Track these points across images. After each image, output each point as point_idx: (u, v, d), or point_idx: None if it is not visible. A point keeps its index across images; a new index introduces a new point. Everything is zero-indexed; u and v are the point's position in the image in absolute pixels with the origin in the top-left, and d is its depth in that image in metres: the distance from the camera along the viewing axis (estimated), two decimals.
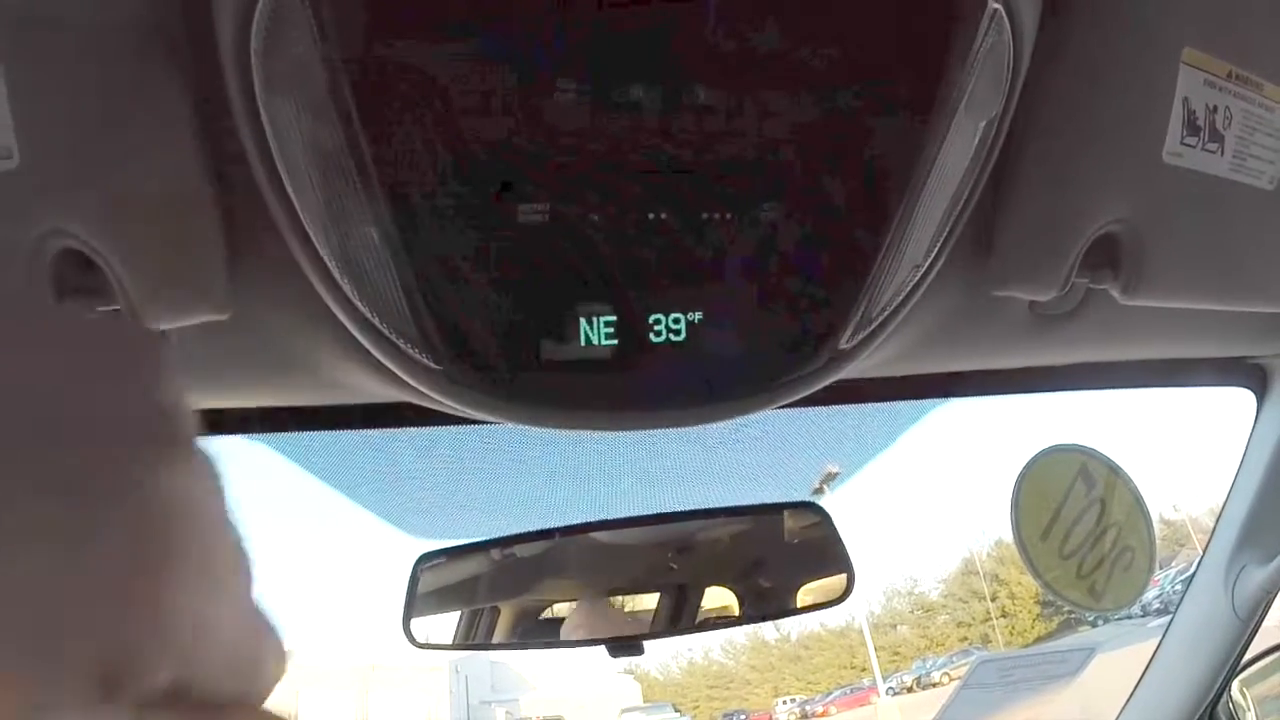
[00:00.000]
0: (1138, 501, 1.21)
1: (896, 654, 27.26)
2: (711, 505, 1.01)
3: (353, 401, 0.77)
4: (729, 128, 0.52)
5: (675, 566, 1.01)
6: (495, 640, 1.08)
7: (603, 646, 0.94)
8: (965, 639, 27.03)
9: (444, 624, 1.09)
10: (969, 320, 0.74)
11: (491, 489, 1.59)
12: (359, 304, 0.54)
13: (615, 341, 0.54)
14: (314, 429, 0.92)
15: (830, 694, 24.04)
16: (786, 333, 0.58)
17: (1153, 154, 0.63)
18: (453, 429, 0.99)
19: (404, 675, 22.72)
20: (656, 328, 0.54)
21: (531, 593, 1.07)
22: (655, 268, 0.55)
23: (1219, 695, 1.23)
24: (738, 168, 0.54)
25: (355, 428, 0.92)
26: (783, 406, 0.66)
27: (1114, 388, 1.01)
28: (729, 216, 0.55)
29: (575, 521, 0.97)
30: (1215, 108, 0.64)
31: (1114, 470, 1.18)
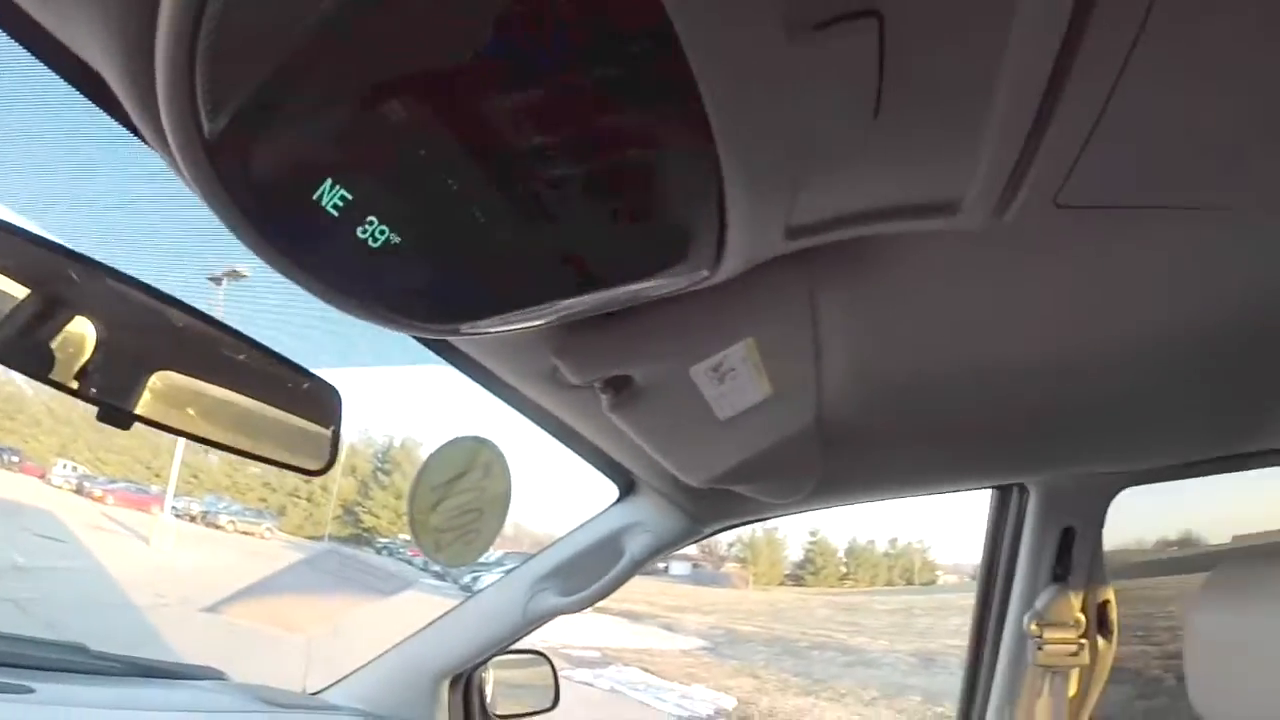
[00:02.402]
0: (504, 504, 1.57)
1: (196, 478, 26.56)
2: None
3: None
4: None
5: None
6: None
7: None
8: (264, 500, 27.61)
9: None
10: None
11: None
12: None
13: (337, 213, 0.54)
14: None
15: (115, 482, 22.28)
16: None
17: (689, 361, 0.96)
18: None
19: None
20: (367, 229, 0.56)
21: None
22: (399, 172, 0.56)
23: (478, 666, 1.68)
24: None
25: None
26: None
27: None
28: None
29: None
30: (733, 367, 0.99)
31: (507, 477, 1.52)
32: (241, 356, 1.07)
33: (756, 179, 0.64)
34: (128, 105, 0.54)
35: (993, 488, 1.88)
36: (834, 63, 0.58)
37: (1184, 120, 0.72)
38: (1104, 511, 1.83)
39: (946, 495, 1.81)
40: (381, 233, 0.56)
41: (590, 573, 1.60)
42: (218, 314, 1.04)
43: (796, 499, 1.45)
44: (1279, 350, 1.23)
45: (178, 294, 0.98)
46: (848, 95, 0.62)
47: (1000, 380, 1.31)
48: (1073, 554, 1.80)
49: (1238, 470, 1.84)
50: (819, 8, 0.55)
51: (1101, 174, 0.77)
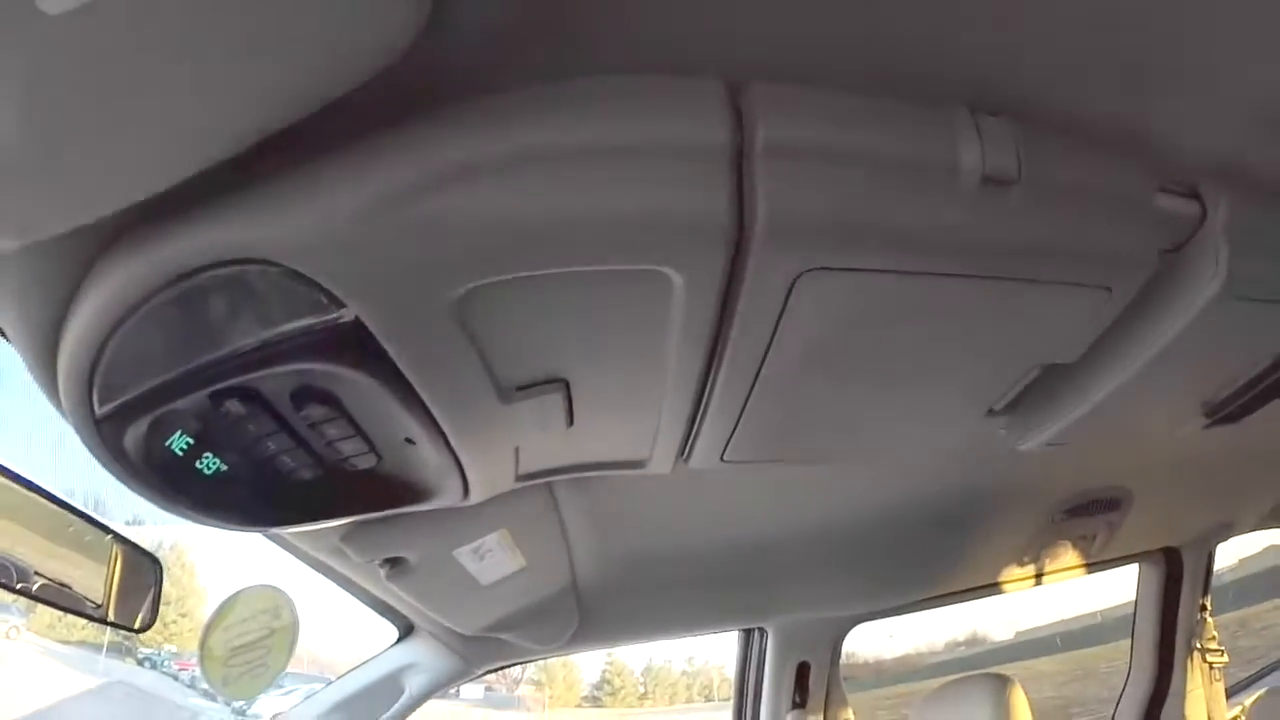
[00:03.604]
0: (291, 640, 1.69)
1: None
2: None
3: None
4: None
5: None
6: None
7: None
8: None
9: None
10: None
11: None
12: None
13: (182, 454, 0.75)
14: None
15: None
16: None
17: (452, 547, 1.20)
18: None
19: None
20: (203, 462, 0.77)
21: None
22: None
23: None
24: None
25: None
26: None
27: None
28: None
29: None
30: (490, 549, 1.22)
31: (295, 618, 1.65)
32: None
33: (478, 465, 0.91)
34: (26, 364, 0.71)
35: (737, 630, 2.17)
36: (535, 407, 0.86)
37: (812, 404, 1.01)
38: (837, 647, 2.16)
39: None
40: (213, 464, 0.78)
41: (372, 709, 1.74)
42: None
43: (559, 644, 1.68)
44: (929, 530, 1.62)
45: None
46: (547, 420, 0.90)
47: (726, 549, 1.61)
48: (809, 685, 2.10)
49: (946, 605, 2.25)
50: (520, 380, 0.83)
51: (751, 443, 1.05)
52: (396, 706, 1.73)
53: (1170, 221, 0.85)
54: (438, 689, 1.77)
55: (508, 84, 0.60)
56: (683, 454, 1.07)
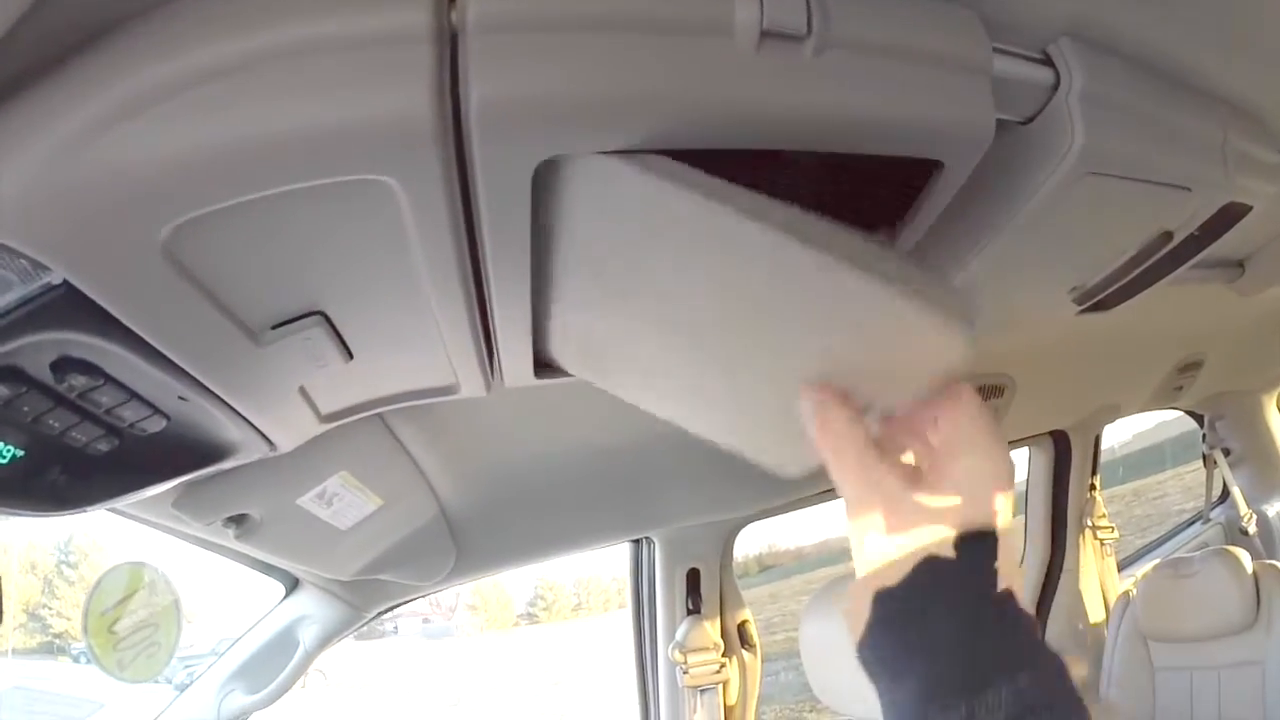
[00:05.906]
0: (177, 614, 1.74)
1: None
2: None
3: None
4: None
5: None
6: None
7: None
8: None
9: None
10: None
11: None
12: None
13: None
14: None
15: None
16: None
17: (293, 496, 1.24)
18: None
19: None
20: None
21: None
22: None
23: None
24: None
25: None
26: None
27: None
28: None
29: None
30: (336, 493, 1.27)
31: (172, 590, 1.70)
32: None
33: (265, 411, 0.94)
34: None
35: (626, 541, 2.25)
36: (299, 344, 0.84)
37: (594, 322, 0.91)
38: (726, 551, 2.26)
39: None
40: (8, 451, 0.80)
41: (272, 667, 1.82)
42: None
43: (442, 576, 1.75)
44: None
45: None
46: (320, 355, 0.88)
47: (598, 459, 1.67)
48: (701, 591, 2.21)
49: (826, 501, 2.36)
50: (269, 318, 0.80)
51: (562, 360, 0.99)
52: (294, 661, 1.81)
53: (1015, 90, 0.79)
54: (331, 638, 1.85)
55: None
56: (492, 375, 1.03)
